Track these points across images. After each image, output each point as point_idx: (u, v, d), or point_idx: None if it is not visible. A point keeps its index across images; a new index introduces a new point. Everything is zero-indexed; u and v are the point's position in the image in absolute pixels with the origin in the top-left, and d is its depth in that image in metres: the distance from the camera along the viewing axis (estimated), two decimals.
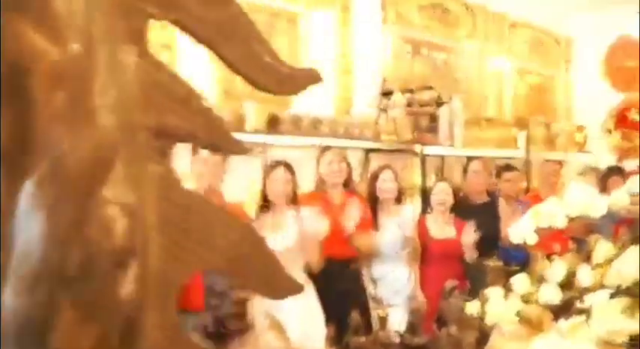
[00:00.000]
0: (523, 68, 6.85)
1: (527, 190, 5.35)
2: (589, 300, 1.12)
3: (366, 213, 3.19)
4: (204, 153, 2.61)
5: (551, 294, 1.22)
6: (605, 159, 6.13)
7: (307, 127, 3.68)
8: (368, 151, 4.55)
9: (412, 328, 2.39)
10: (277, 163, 2.98)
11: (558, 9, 6.82)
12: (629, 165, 5.96)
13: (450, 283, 2.93)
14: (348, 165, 3.26)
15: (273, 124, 3.56)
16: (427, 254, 3.47)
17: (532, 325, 1.40)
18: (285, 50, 4.39)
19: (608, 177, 5.02)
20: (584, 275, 1.21)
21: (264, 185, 2.95)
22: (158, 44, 3.64)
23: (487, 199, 3.82)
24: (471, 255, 3.37)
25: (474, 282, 3.12)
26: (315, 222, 2.85)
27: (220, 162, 2.63)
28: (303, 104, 4.26)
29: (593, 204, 1.11)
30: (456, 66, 5.89)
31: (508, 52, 6.56)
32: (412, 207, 3.73)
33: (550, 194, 3.06)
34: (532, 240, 1.18)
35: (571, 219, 1.15)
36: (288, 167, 2.94)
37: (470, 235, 3.33)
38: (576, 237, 3.99)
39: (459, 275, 3.33)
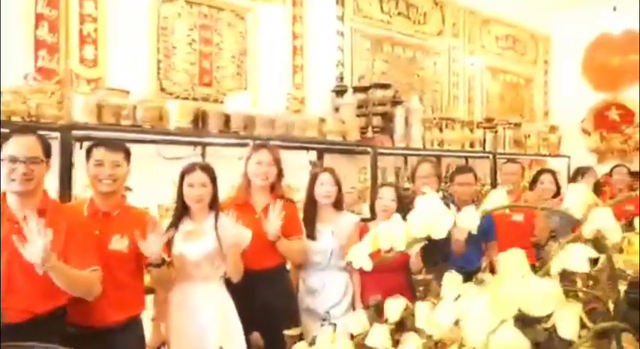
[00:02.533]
0: (497, 67, 6.60)
1: None
2: None
3: (293, 217, 2.95)
4: (99, 154, 2.37)
5: (380, 338, 0.98)
6: (583, 161, 5.92)
7: (238, 126, 3.44)
8: (321, 152, 4.32)
9: None
10: (193, 165, 2.72)
11: (535, 5, 6.60)
12: (606, 167, 5.74)
13: (373, 298, 2.70)
14: (280, 168, 2.99)
15: (202, 122, 3.32)
16: None
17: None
18: (231, 47, 4.15)
19: (579, 179, 4.80)
20: (420, 317, 0.98)
21: (180, 188, 2.71)
22: (88, 42, 3.44)
23: None
24: (416, 264, 3.15)
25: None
26: (235, 231, 2.61)
27: (120, 162, 2.38)
28: (258, 103, 4.05)
29: (437, 223, 0.88)
30: (423, 64, 5.65)
31: (480, 49, 6.33)
32: (352, 214, 3.48)
33: (510, 196, 2.84)
34: (368, 266, 0.95)
35: (413, 240, 0.92)
36: (205, 169, 2.69)
37: None
38: (537, 243, 3.80)
39: (402, 286, 3.11)
